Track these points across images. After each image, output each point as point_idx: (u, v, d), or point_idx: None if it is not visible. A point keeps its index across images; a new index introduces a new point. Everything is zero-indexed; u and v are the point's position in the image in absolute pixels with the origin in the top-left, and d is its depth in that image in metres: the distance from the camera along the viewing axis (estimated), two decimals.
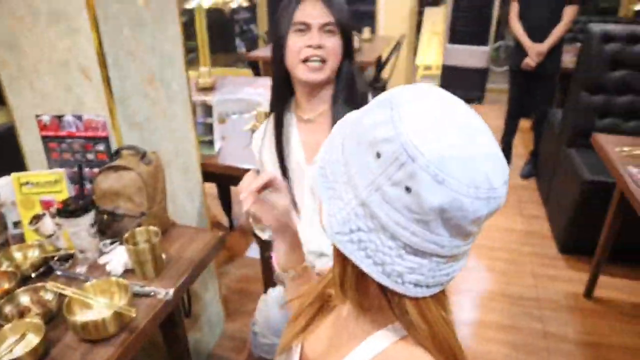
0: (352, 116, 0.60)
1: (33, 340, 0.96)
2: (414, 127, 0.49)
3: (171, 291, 1.11)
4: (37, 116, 1.42)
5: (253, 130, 2.11)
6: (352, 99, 1.20)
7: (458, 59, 5.14)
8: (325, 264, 1.32)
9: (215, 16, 6.69)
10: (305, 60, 1.17)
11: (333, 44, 1.17)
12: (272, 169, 1.31)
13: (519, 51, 3.31)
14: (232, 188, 2.83)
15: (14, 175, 1.30)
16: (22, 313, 1.07)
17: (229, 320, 2.17)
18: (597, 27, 2.58)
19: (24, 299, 1.11)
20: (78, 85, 1.37)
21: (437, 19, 6.31)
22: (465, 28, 5.00)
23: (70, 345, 1.00)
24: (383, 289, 0.56)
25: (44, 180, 1.30)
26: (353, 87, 1.21)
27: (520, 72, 3.36)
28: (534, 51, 3.18)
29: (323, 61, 1.17)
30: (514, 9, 3.30)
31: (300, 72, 1.18)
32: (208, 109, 1.87)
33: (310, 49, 1.16)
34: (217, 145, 1.92)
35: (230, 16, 7.45)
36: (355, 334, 0.66)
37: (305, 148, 1.26)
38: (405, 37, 4.75)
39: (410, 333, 0.58)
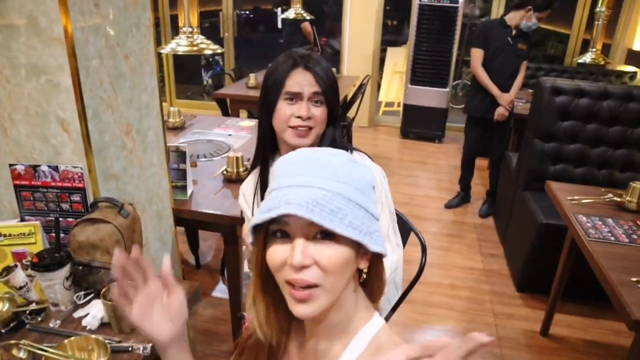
0: (332, 188, 0.73)
1: None
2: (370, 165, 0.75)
3: (149, 346, 1.12)
4: (11, 165, 1.42)
5: (224, 175, 2.15)
6: None
7: (419, 99, 5.36)
8: None
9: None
10: (294, 127, 1.25)
11: (320, 113, 1.25)
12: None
13: (483, 99, 3.50)
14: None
15: None
16: None
17: None
18: (547, 82, 2.79)
19: None
20: (55, 137, 1.39)
21: (399, 59, 6.58)
22: (426, 70, 5.23)
23: None
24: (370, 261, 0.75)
25: (17, 231, 1.30)
26: (333, 145, 1.28)
27: (480, 118, 3.57)
28: (506, 100, 3.40)
29: (310, 128, 1.26)
30: (478, 57, 3.46)
31: (289, 137, 1.26)
32: (181, 155, 1.90)
33: (300, 119, 1.24)
34: (190, 190, 1.94)
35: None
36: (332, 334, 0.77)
37: None
38: (370, 78, 4.93)
39: (377, 286, 0.79)
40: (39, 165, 1.40)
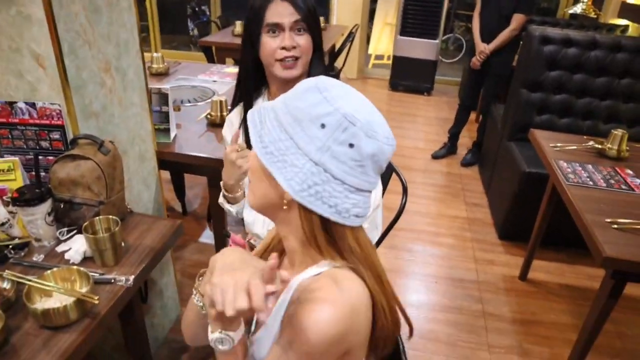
0: (275, 104, 0.75)
1: None
2: (344, 103, 0.70)
3: (132, 278, 1.14)
4: None
5: (207, 119, 2.13)
6: None
7: (408, 50, 5.28)
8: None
9: None
10: (281, 60, 1.24)
11: (305, 41, 1.24)
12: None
13: (474, 49, 3.53)
14: (186, 174, 2.84)
15: None
16: None
17: (184, 305, 2.20)
18: (536, 30, 2.75)
19: None
20: (30, 72, 1.35)
21: (390, 10, 6.43)
22: (416, 21, 5.14)
23: (31, 333, 1.02)
24: (328, 229, 0.75)
25: None
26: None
27: (473, 68, 3.57)
28: (479, 49, 3.41)
29: (297, 58, 1.25)
30: (477, 6, 3.54)
31: (277, 70, 1.26)
32: (164, 97, 1.87)
33: (285, 50, 1.23)
34: (173, 133, 1.93)
35: None
36: (304, 261, 0.80)
37: None
38: (358, 27, 4.82)
39: (347, 257, 0.76)
40: (16, 102, 1.37)
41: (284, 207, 0.75)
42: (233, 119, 1.43)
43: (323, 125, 0.69)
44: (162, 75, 2.81)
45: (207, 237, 2.71)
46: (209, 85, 2.65)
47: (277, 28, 1.22)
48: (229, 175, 1.26)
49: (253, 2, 1.25)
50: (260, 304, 0.63)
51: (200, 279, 0.92)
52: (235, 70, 2.99)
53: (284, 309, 0.77)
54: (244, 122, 1.36)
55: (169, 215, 2.51)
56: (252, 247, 1.36)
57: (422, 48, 5.21)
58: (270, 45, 1.24)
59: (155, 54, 2.82)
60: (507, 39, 3.36)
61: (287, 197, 0.72)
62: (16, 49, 1.33)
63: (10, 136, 1.42)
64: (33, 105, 1.37)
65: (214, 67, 3.03)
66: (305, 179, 0.70)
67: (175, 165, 2.03)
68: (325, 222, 0.74)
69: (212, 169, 1.86)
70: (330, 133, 0.69)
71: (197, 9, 7.92)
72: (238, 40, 3.92)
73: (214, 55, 4.17)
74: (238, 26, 4.11)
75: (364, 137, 0.70)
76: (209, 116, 2.11)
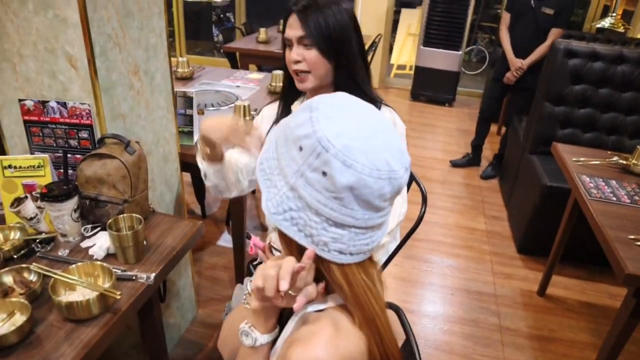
0: (285, 120, 0.73)
1: (19, 318, 1.00)
2: (326, 125, 0.63)
3: (152, 276, 1.16)
4: (21, 100, 1.44)
5: None
6: None
7: (431, 61, 5.28)
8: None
9: (192, 2, 6.65)
10: (295, 72, 1.29)
11: (312, 56, 1.25)
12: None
13: (503, 61, 3.50)
14: None
15: None
16: (5, 293, 1.10)
17: (200, 306, 2.23)
18: (561, 44, 2.73)
19: (7, 279, 1.14)
20: (63, 73, 1.40)
21: (413, 21, 6.44)
22: (439, 32, 5.13)
23: (55, 325, 1.05)
24: (317, 258, 0.69)
25: (27, 164, 1.33)
26: (352, 89, 1.28)
27: (499, 79, 3.54)
28: (514, 65, 3.36)
29: (307, 72, 1.27)
30: (505, 19, 3.47)
31: (295, 82, 1.32)
32: (188, 101, 1.91)
33: (294, 63, 1.28)
34: (196, 136, 1.96)
35: (208, 4, 7.39)
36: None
37: None
38: (381, 38, 4.84)
39: (338, 293, 0.71)
40: (48, 101, 1.42)
41: None
42: (265, 112, 1.48)
43: (300, 148, 0.64)
44: (187, 79, 2.86)
45: (226, 240, 2.74)
46: (232, 90, 2.69)
47: (289, 42, 1.27)
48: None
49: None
50: (284, 273, 0.66)
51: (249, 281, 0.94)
52: (258, 76, 3.03)
53: (289, 332, 0.77)
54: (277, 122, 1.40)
55: (188, 217, 2.55)
56: (272, 250, 1.37)
57: (444, 59, 5.21)
58: (286, 57, 1.30)
59: (180, 59, 2.88)
60: (544, 54, 3.23)
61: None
62: (51, 50, 1.37)
63: (41, 134, 1.46)
64: (64, 104, 1.41)
65: (237, 73, 3.07)
66: (281, 202, 0.67)
67: (197, 168, 2.05)
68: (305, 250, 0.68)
69: None
70: (305, 157, 0.64)
71: (222, 15, 8.04)
72: (262, 47, 3.98)
73: (237, 61, 4.24)
74: (262, 33, 4.16)
75: (340, 165, 0.61)
76: None
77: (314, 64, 1.25)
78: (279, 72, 2.68)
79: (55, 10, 1.32)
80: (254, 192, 2.69)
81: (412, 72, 5.58)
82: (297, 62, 1.26)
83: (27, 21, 1.36)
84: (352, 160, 0.62)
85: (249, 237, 1.58)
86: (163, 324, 1.56)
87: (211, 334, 2.09)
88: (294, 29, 1.24)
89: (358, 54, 1.31)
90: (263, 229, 2.84)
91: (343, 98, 0.70)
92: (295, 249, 0.70)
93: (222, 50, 4.49)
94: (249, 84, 2.84)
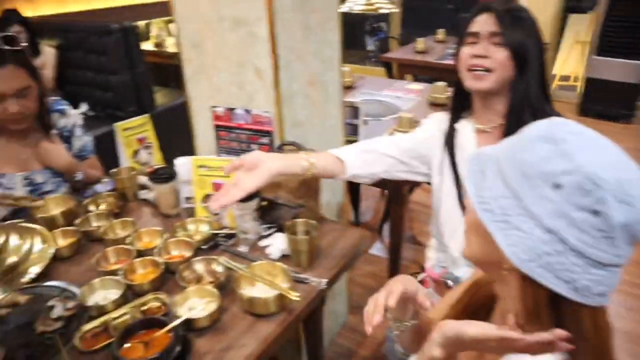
0: (499, 152, 0.67)
1: (211, 305, 1.11)
2: (588, 158, 0.58)
3: (325, 281, 1.20)
4: (213, 107, 1.61)
5: (393, 134, 2.17)
6: (525, 115, 1.20)
7: (605, 72, 4.72)
8: (466, 273, 1.36)
9: (346, 13, 6.84)
10: (471, 69, 1.22)
11: (501, 55, 1.19)
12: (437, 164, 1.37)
13: None
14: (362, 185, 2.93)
15: (194, 158, 1.48)
16: (198, 280, 1.23)
17: (352, 312, 2.26)
18: None
19: (199, 267, 1.28)
20: (250, 84, 1.53)
21: (582, 27, 5.83)
22: (619, 39, 4.57)
23: (238, 315, 1.14)
24: (556, 305, 0.63)
25: (217, 165, 1.47)
26: (526, 103, 1.20)
27: None
28: None
29: (488, 71, 1.20)
30: None
31: (466, 80, 1.25)
32: (355, 111, 1.96)
33: (476, 58, 1.22)
34: None
35: (361, 14, 7.58)
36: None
37: None
38: (548, 46, 4.47)
39: (576, 342, 0.62)
40: (235, 109, 1.56)
41: (504, 272, 0.66)
42: (430, 125, 1.43)
43: (558, 186, 0.59)
44: (349, 88, 2.94)
45: (378, 249, 2.75)
46: (392, 100, 2.69)
47: (474, 37, 1.22)
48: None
49: (464, 19, 1.27)
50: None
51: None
52: (418, 86, 3.00)
53: None
54: (449, 140, 1.35)
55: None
56: (447, 285, 1.32)
57: (622, 69, 4.62)
58: (464, 52, 1.24)
59: (344, 68, 2.97)
60: None
61: (508, 262, 0.63)
62: (242, 63, 1.51)
63: (227, 138, 1.61)
64: (249, 112, 1.54)
65: (397, 83, 3.08)
66: (534, 248, 0.60)
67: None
68: (556, 299, 0.62)
69: (393, 184, 1.89)
70: (567, 196, 0.58)
71: (375, 25, 8.17)
72: (420, 57, 3.94)
73: (392, 70, 4.26)
74: (420, 43, 4.13)
75: (614, 202, 0.57)
76: (394, 132, 2.15)
77: (501, 65, 1.20)
78: (441, 84, 2.62)
79: (248, 27, 1.45)
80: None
81: (578, 83, 5.05)
82: (480, 57, 1.21)
83: (223, 38, 1.51)
84: (627, 195, 0.57)
85: (423, 269, 1.55)
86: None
87: (361, 341, 2.11)
88: (487, 24, 1.20)
89: (540, 66, 1.23)
90: (414, 242, 2.80)
91: (573, 123, 0.65)
92: (543, 300, 0.63)
93: (372, 59, 4.55)
94: (409, 94, 2.83)
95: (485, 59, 1.20)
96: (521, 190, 0.61)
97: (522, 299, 0.65)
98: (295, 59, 1.51)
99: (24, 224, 0.96)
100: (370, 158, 1.34)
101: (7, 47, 1.50)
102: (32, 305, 1.21)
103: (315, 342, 1.55)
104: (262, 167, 1.14)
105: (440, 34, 4.54)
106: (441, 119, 1.41)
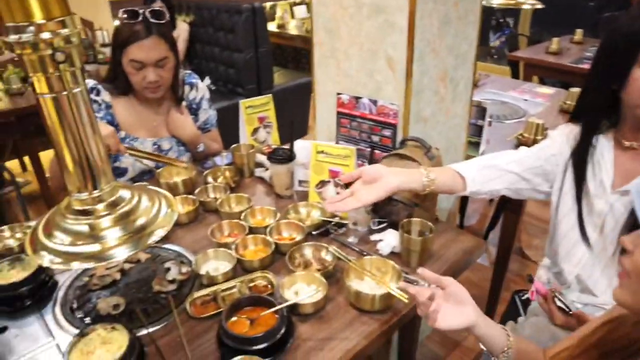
0: None
1: (318, 292, 1.11)
2: None
3: (434, 286, 1.15)
4: (338, 94, 1.60)
5: (518, 140, 2.03)
6: None
7: None
8: (578, 298, 1.24)
9: None
10: None
11: None
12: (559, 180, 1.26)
13: None
14: None
15: (314, 143, 1.49)
16: (306, 265, 1.24)
17: None
18: None
19: (308, 252, 1.29)
20: (380, 73, 1.49)
21: None
22: None
23: (342, 307, 1.13)
24: None
25: (336, 152, 1.46)
26: None
27: None
28: None
29: None
30: None
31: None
32: (481, 111, 1.85)
33: None
34: (482, 148, 1.90)
35: (488, 8, 7.17)
36: None
37: (616, 172, 1.16)
38: None
39: None
40: (361, 98, 1.54)
41: None
42: (558, 137, 1.28)
43: None
44: (474, 86, 2.79)
45: (481, 257, 2.61)
46: (519, 103, 2.52)
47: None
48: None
49: (629, 26, 1.06)
50: None
51: None
52: (548, 91, 2.77)
53: None
54: (581, 152, 1.22)
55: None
56: (554, 302, 1.20)
57: None
58: (612, 59, 1.07)
59: None
60: None
61: None
62: (374, 51, 1.48)
63: (349, 126, 1.60)
64: (375, 102, 1.51)
65: (525, 85, 2.87)
66: None
67: None
68: None
69: None
70: None
71: (501, 20, 7.71)
72: (552, 59, 3.64)
73: (519, 70, 3.99)
74: (554, 43, 3.80)
75: None
76: (520, 137, 2.00)
77: None
78: (577, 90, 2.39)
79: (386, 15, 1.41)
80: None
81: None
82: None
83: (360, 24, 1.49)
84: None
85: (531, 280, 1.44)
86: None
87: (451, 348, 2.03)
88: None
89: None
90: (521, 254, 2.62)
91: None
92: None
93: (495, 56, 4.30)
94: (537, 98, 2.63)
95: None
96: None
97: None
98: (429, 52, 1.45)
99: (152, 187, 1.02)
100: (492, 174, 1.26)
101: (153, 20, 1.61)
102: (151, 265, 1.31)
103: (410, 345, 1.51)
104: (381, 182, 1.12)
105: (578, 34, 4.15)
106: (571, 131, 1.27)
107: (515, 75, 4.07)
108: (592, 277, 1.22)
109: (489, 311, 2.16)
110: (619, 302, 0.66)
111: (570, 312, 1.12)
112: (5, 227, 1.40)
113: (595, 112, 1.19)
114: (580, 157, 1.21)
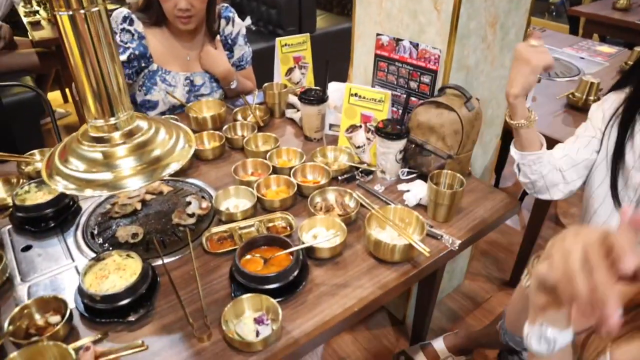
0: None
1: (337, 238, 1.08)
2: None
3: (458, 243, 1.10)
4: (378, 35, 1.50)
5: (569, 99, 1.89)
6: None
7: None
8: None
9: None
10: None
11: None
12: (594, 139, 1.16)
13: None
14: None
15: (347, 85, 1.42)
16: (327, 209, 1.20)
17: (467, 277, 2.14)
18: None
19: (331, 196, 1.25)
20: (424, 14, 1.38)
21: None
22: None
23: (359, 255, 1.10)
24: None
25: (371, 96, 1.39)
26: None
27: None
28: None
29: None
30: None
31: None
32: None
33: None
34: (527, 104, 1.77)
35: None
36: None
37: None
38: None
39: None
40: (402, 40, 1.44)
41: None
42: (605, 106, 1.17)
43: None
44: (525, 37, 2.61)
45: (513, 220, 2.52)
46: (574, 61, 2.34)
47: None
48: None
49: None
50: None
51: (536, 260, 0.79)
52: (609, 50, 2.56)
53: None
54: (626, 121, 1.11)
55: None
56: None
57: None
58: None
59: None
60: None
61: None
62: None
63: (386, 70, 1.51)
64: (416, 45, 1.41)
65: (583, 42, 2.66)
66: None
67: (504, 136, 1.88)
68: None
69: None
70: None
71: None
72: (618, 15, 3.36)
73: (579, 27, 3.71)
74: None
75: None
76: (571, 96, 1.86)
77: None
78: (590, 81, 2.11)
79: None
80: None
81: None
82: None
83: None
84: None
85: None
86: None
87: (471, 309, 1.99)
88: None
89: None
90: (556, 221, 2.51)
91: None
92: None
93: (553, 13, 3.99)
94: (596, 57, 2.43)
95: None
96: None
97: None
98: None
99: (172, 121, 0.99)
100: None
101: None
102: (172, 197, 1.30)
103: (429, 299, 1.48)
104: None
105: None
106: (614, 100, 1.15)
107: (574, 32, 3.79)
108: None
109: (515, 278, 2.10)
110: None
111: None
112: (35, 151, 1.41)
113: None
114: (625, 121, 1.10)
